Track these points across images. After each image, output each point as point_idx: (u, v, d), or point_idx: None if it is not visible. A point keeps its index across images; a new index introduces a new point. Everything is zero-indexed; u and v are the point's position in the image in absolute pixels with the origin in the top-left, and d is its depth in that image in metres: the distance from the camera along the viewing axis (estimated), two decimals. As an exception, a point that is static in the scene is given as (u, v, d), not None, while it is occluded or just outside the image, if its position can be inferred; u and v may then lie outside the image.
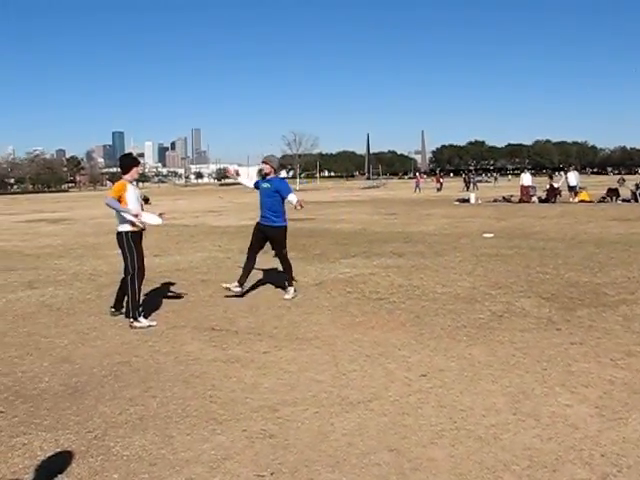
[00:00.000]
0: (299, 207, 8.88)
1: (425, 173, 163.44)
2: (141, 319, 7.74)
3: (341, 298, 9.10)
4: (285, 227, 9.23)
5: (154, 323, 7.79)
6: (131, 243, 7.77)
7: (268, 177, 9.15)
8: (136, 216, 7.70)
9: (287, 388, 5.41)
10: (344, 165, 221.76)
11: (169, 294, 9.64)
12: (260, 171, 9.73)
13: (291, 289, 9.26)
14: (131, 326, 7.64)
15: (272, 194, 9.01)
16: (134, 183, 8.03)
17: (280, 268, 9.55)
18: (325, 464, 4.04)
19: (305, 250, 14.59)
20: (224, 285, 9.27)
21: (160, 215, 8.21)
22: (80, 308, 8.96)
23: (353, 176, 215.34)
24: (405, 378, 5.56)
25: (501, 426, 4.53)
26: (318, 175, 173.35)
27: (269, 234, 9.17)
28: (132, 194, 7.80)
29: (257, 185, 9.38)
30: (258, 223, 9.26)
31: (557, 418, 4.64)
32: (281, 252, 9.26)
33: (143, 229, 7.90)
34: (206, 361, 6.24)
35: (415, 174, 72.78)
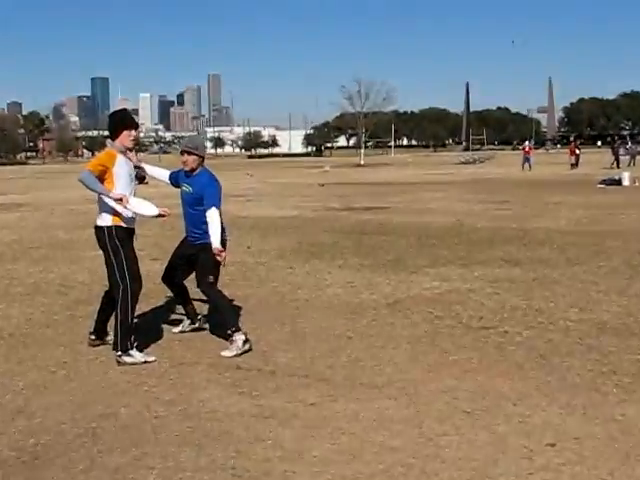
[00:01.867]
0: (219, 256, 8.20)
1: (549, 141, 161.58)
2: (133, 352, 7.84)
3: (426, 325, 9.09)
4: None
5: (152, 358, 7.87)
6: (116, 242, 7.80)
7: (193, 174, 8.56)
8: (120, 201, 7.69)
9: (346, 458, 5.41)
10: (431, 129, 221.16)
11: (174, 316, 9.75)
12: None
13: (237, 340, 8.17)
14: (119, 362, 7.73)
15: (194, 201, 8.46)
16: (128, 154, 8.12)
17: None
18: None
19: (373, 254, 14.59)
20: (174, 331, 9.11)
21: (161, 215, 8.29)
22: (43, 335, 9.12)
23: (444, 145, 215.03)
24: (523, 448, 5.51)
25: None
26: (393, 143, 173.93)
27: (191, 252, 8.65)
28: (123, 170, 7.86)
29: (176, 181, 8.86)
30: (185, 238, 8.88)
31: None
32: (205, 282, 8.54)
33: (132, 222, 7.96)
34: (228, 415, 6.27)
35: (524, 143, 71.54)
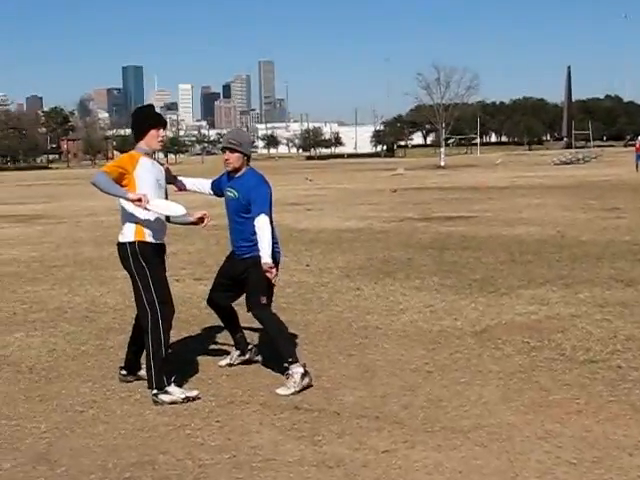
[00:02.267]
0: (269, 271, 8.14)
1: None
2: (172, 389, 7.88)
3: (521, 358, 9.02)
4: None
5: (194, 393, 7.91)
6: (141, 262, 7.86)
7: (236, 175, 8.59)
8: (139, 202, 7.65)
9: (427, 517, 5.36)
10: (525, 123, 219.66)
11: (221, 347, 9.78)
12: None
13: (295, 373, 8.13)
14: (155, 401, 7.79)
15: (240, 208, 8.46)
16: (155, 156, 8.18)
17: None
18: None
19: (457, 272, 14.55)
20: (221, 364, 9.14)
21: (200, 219, 8.33)
22: (68, 368, 9.22)
23: (541, 142, 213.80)
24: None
25: None
26: (478, 140, 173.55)
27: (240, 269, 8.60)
28: (148, 174, 7.92)
29: (219, 188, 8.92)
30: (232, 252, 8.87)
31: None
32: (257, 303, 8.52)
33: (160, 236, 8.00)
34: (285, 464, 6.26)
35: (637, 138, 70.31)
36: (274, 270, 8.16)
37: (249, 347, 9.07)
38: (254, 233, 8.23)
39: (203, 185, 9.07)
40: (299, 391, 7.94)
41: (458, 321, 10.80)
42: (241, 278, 8.50)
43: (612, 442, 6.50)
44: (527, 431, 6.79)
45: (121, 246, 7.92)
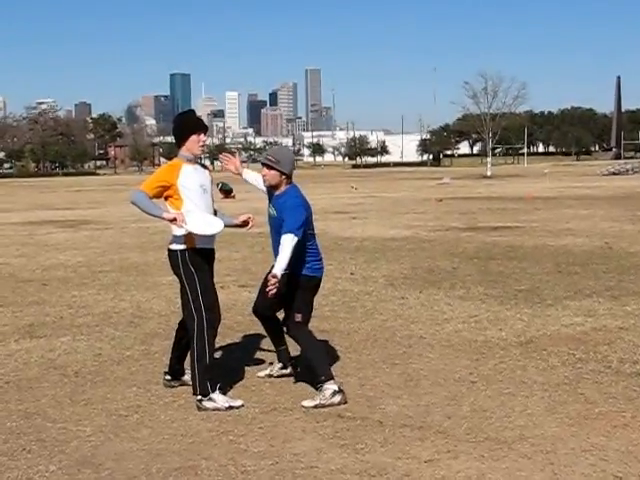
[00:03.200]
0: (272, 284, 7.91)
1: None
2: (216, 396, 7.89)
3: (566, 370, 8.96)
4: (308, 278, 8.51)
5: (238, 403, 7.92)
6: (190, 268, 7.92)
7: (276, 192, 8.42)
8: (174, 221, 7.73)
9: (469, 527, 5.35)
10: (573, 132, 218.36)
11: (264, 356, 9.79)
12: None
13: (326, 390, 8.02)
14: (199, 407, 7.82)
15: (279, 226, 8.28)
16: (200, 161, 8.21)
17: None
18: None
19: (502, 283, 14.48)
20: (260, 374, 9.02)
21: (245, 222, 8.34)
22: (114, 373, 9.28)
23: (589, 152, 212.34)
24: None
25: None
26: (526, 150, 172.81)
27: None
28: (192, 181, 7.95)
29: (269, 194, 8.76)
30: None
31: None
32: (292, 322, 8.49)
33: (210, 242, 8.03)
34: (327, 472, 6.26)
35: None
36: (276, 283, 7.86)
37: (292, 361, 8.99)
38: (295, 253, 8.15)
39: (259, 180, 8.90)
40: (326, 406, 7.80)
41: (503, 332, 10.75)
42: (282, 292, 8.45)
43: (658, 456, 6.47)
44: (572, 443, 6.75)
45: (172, 253, 7.98)
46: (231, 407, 7.76)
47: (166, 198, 7.92)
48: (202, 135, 8.12)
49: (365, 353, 9.74)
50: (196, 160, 8.13)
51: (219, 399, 7.83)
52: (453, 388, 8.36)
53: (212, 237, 8.04)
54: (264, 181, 8.44)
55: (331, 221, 29.10)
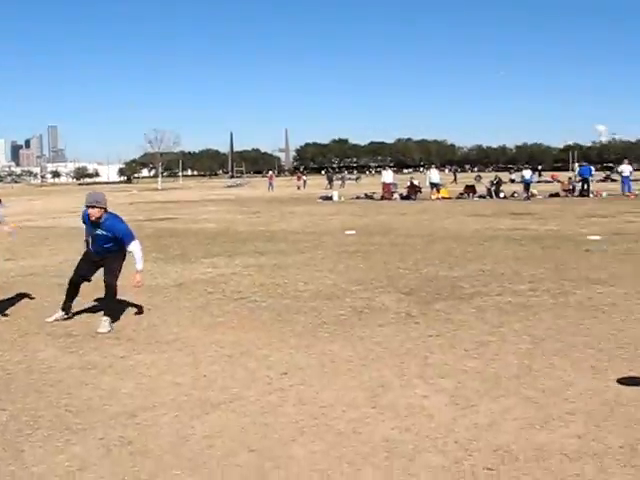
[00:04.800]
0: (138, 285, 7.61)
1: (287, 171, 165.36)
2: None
3: (202, 299, 9.02)
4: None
5: None
6: None
7: (100, 220, 7.43)
8: None
9: (146, 393, 5.32)
10: (207, 164, 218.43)
11: (19, 299, 9.16)
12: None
13: (107, 321, 7.44)
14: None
15: (109, 241, 7.52)
16: None
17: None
18: (185, 468, 4.02)
19: (165, 250, 14.32)
20: (48, 320, 7.80)
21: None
22: None
23: (217, 174, 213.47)
24: (266, 377, 5.62)
25: (360, 420, 4.68)
26: (180, 174, 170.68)
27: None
28: None
29: (89, 232, 7.70)
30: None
31: (414, 409, 4.85)
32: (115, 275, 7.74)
33: None
34: (61, 369, 6.00)
35: (269, 172, 73.22)
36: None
37: (70, 312, 7.92)
38: (109, 243, 7.47)
39: None
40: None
41: (166, 279, 10.64)
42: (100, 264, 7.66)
43: (252, 343, 6.68)
44: (204, 340, 6.85)
45: None
46: None
47: None
48: None
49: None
50: None
51: None
52: (137, 314, 8.17)
53: None
54: (91, 217, 7.35)
55: (67, 218, 27.45)
